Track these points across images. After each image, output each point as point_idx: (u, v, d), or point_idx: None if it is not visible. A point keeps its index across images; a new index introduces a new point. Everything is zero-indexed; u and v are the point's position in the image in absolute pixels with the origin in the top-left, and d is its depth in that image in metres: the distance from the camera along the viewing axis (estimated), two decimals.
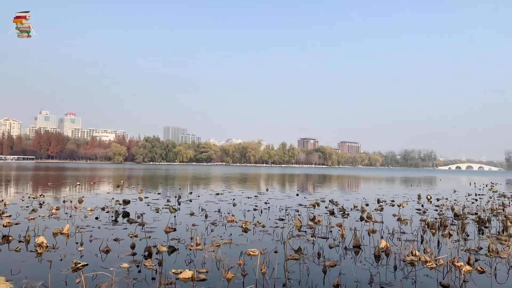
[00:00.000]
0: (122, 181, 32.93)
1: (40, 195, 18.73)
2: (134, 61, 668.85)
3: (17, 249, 7.80)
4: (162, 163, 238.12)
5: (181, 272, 6.27)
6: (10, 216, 12.08)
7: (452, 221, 13.14)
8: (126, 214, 13.15)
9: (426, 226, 11.49)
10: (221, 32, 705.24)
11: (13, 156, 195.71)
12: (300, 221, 11.00)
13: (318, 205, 15.21)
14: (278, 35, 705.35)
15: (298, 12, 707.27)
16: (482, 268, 7.02)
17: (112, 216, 12.66)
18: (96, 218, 12.27)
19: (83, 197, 18.17)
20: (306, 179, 49.58)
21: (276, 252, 7.97)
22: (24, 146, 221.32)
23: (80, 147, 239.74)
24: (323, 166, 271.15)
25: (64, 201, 16.66)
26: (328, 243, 9.11)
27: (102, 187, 27.38)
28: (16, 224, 10.70)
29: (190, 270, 6.28)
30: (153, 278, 6.14)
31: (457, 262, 7.25)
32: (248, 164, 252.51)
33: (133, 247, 8.26)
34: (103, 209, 14.47)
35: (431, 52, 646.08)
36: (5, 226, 10.05)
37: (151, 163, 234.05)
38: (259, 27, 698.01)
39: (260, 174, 67.23)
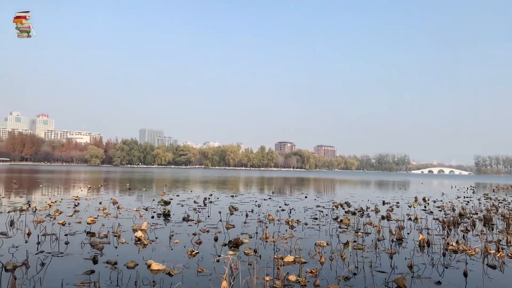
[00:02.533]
0: (127, 184, 33.81)
1: (75, 197, 19.67)
2: (106, 63, 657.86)
3: (122, 242, 9.06)
4: (140, 166, 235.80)
5: (283, 258, 7.75)
6: (71, 215, 13.20)
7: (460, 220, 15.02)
8: (167, 214, 14.45)
9: (443, 223, 13.29)
10: (196, 34, 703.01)
11: None
12: (349, 219, 12.66)
13: (342, 206, 16.90)
14: (254, 37, 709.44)
15: (281, 16, 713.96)
16: (511, 254, 8.81)
17: (160, 216, 13.94)
18: (152, 217, 13.52)
19: (111, 199, 19.23)
20: (300, 182, 51.35)
21: (347, 243, 9.50)
22: None
23: (55, 149, 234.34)
24: (301, 170, 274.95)
25: (100, 203, 17.73)
26: (372, 237, 10.72)
27: (113, 189, 28.25)
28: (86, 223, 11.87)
29: (291, 255, 7.78)
30: (250, 264, 7.52)
31: (490, 250, 9.02)
32: (227, 167, 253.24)
33: (216, 239, 9.67)
34: (146, 209, 15.69)
35: (400, 58, 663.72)
36: (89, 224, 11.24)
37: (129, 165, 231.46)
38: (232, 27, 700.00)
39: (248, 177, 68.65)
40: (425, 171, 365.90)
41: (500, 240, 10.53)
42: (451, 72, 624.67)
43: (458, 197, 28.08)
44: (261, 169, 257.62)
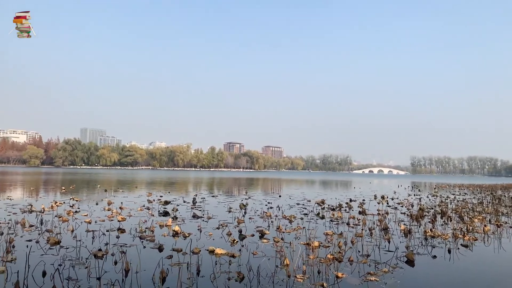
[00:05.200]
0: (99, 186, 33.99)
1: (76, 199, 20.11)
2: (44, 56, 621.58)
3: (164, 236, 10.46)
4: (84, 167, 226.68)
5: (309, 243, 9.62)
6: (86, 215, 14.16)
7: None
8: (166, 213, 15.77)
9: (411, 217, 15.86)
10: (143, 31, 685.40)
11: None
12: (341, 213, 14.80)
13: (323, 203, 19.10)
14: (198, 32, 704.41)
15: (231, 14, 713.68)
16: (475, 238, 11.35)
17: (161, 214, 15.25)
18: (163, 215, 14.80)
19: (102, 199, 20.03)
20: (264, 183, 53.50)
21: (341, 234, 11.52)
22: None
23: None
24: (251, 170, 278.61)
25: (97, 203, 18.55)
26: (360, 228, 12.91)
27: (88, 191, 28.55)
28: (102, 221, 12.98)
29: (315, 241, 9.68)
30: (277, 250, 9.35)
31: (458, 235, 11.52)
32: (176, 168, 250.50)
33: (240, 231, 11.33)
34: (148, 208, 16.85)
35: (348, 57, 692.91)
36: (120, 221, 12.40)
37: (71, 166, 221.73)
38: (172, 24, 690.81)
39: (206, 178, 69.75)
40: (366, 171, 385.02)
41: (461, 228, 13.17)
42: (384, 75, 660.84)
43: (409, 195, 31.61)
44: (211, 169, 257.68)
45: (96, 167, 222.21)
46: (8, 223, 11.82)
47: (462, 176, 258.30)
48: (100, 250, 8.26)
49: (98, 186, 34.26)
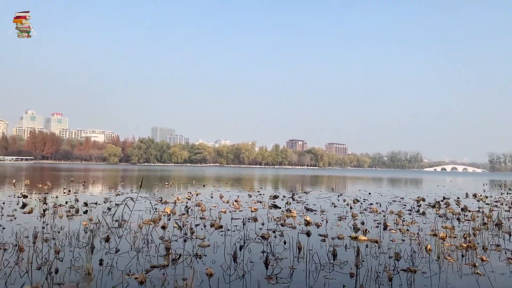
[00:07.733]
0: (194, 181, 37.14)
1: (196, 193, 22.73)
2: (116, 61, 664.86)
3: (299, 224, 12.08)
4: (157, 164, 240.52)
5: (436, 234, 10.68)
6: (215, 206, 16.29)
7: None
8: (275, 206, 17.43)
9: None
10: (206, 33, 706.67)
11: (11, 157, 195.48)
12: (453, 209, 15.64)
13: (423, 200, 19.80)
14: (265, 35, 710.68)
15: (290, 13, 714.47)
16: None
17: (271, 208, 16.94)
18: (273, 208, 16.52)
19: (212, 193, 22.37)
20: (337, 181, 54.27)
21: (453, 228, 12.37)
22: (19, 146, 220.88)
23: (74, 148, 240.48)
24: (315, 168, 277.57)
25: (211, 197, 20.89)
26: (476, 223, 13.59)
27: (186, 186, 31.43)
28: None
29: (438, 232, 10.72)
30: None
31: None
32: (242, 165, 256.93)
33: (363, 223, 12.64)
34: (260, 201, 18.77)
35: (412, 54, 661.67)
36: (252, 211, 14.34)
37: (146, 164, 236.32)
38: (243, 26, 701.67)
39: (277, 175, 71.69)
40: (438, 168, 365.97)
41: None
42: (460, 70, 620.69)
43: (502, 193, 30.77)
44: (275, 167, 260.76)
45: (169, 165, 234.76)
46: (162, 211, 14.18)
47: None
48: (273, 231, 10.11)
49: (193, 181, 37.34)
